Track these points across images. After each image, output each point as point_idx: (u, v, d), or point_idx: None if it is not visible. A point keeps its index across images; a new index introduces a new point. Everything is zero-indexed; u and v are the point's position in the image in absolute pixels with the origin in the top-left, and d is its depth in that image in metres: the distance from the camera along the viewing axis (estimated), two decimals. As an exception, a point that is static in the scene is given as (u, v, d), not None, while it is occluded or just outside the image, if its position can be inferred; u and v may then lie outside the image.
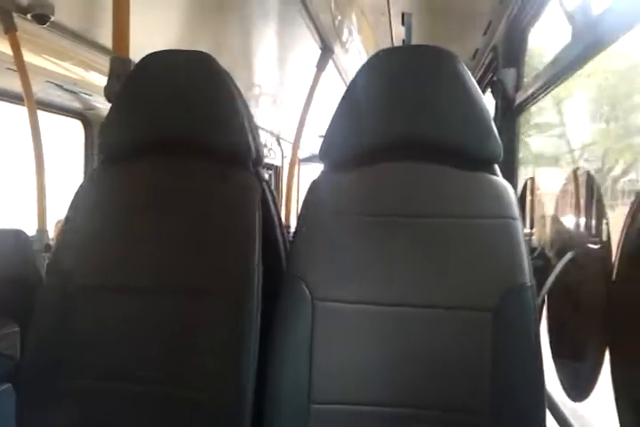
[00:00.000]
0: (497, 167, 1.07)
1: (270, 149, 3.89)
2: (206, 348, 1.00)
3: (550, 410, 1.23)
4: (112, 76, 1.29)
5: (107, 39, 1.74)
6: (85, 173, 2.72)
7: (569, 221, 1.38)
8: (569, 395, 1.17)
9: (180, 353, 1.03)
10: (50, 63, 2.07)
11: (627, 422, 0.88)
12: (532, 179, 1.72)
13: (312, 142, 3.26)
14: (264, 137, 3.74)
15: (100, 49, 2.01)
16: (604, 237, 1.11)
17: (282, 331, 1.01)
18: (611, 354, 0.97)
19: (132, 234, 1.10)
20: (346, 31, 2.09)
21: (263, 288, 1.03)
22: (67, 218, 1.13)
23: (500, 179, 1.04)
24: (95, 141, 2.72)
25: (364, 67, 1.11)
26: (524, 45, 1.74)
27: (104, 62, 2.01)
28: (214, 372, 0.99)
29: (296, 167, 2.60)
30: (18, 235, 1.74)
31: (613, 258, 1.02)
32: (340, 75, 2.54)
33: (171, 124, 1.14)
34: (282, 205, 2.71)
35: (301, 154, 4.21)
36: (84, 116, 2.68)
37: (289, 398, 0.99)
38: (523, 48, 1.73)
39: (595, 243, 1.16)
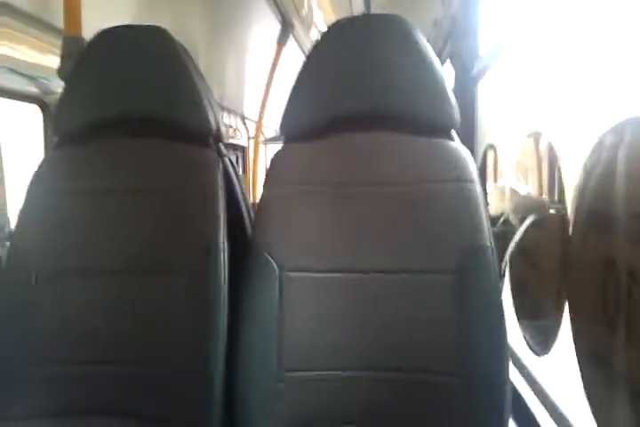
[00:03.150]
0: (454, 133, 1.08)
1: (236, 129, 3.86)
2: (175, 325, 1.01)
3: (515, 365, 1.28)
4: (65, 56, 1.27)
5: (60, 20, 1.70)
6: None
7: (529, 188, 1.41)
8: (533, 350, 1.21)
9: (148, 332, 1.03)
10: (3, 47, 2.01)
11: (587, 374, 0.92)
12: (492, 145, 1.75)
13: (277, 121, 3.23)
14: (229, 118, 3.70)
15: (55, 31, 1.95)
16: (564, 203, 1.14)
17: (250, 303, 1.02)
18: (569, 310, 1.01)
19: (91, 216, 1.09)
20: (305, 5, 2.07)
21: (230, 264, 1.04)
22: (24, 204, 1.12)
23: (456, 144, 1.06)
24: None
25: (322, 37, 1.11)
26: (478, 15, 1.75)
27: (59, 44, 1.96)
28: (184, 348, 1.00)
29: (261, 146, 2.59)
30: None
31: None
32: (302, 50, 2.52)
33: (126, 103, 1.12)
34: (249, 185, 2.71)
35: (267, 133, 4.18)
36: (42, 100, 2.61)
37: (260, 368, 1.00)
38: (478, 16, 1.75)
39: (555, 208, 1.19)
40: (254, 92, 3.06)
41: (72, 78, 1.16)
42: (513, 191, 1.58)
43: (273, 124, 3.18)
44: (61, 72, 1.25)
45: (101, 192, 1.10)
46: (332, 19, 2.24)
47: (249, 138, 4.13)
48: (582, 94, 1.22)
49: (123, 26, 1.16)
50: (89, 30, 1.30)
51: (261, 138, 2.68)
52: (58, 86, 2.42)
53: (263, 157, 3.36)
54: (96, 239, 1.08)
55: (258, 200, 1.09)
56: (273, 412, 1.00)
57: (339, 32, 1.11)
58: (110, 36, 1.15)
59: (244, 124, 3.95)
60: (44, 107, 2.64)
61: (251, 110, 3.68)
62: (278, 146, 1.17)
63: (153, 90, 1.12)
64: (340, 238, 1.03)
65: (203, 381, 0.99)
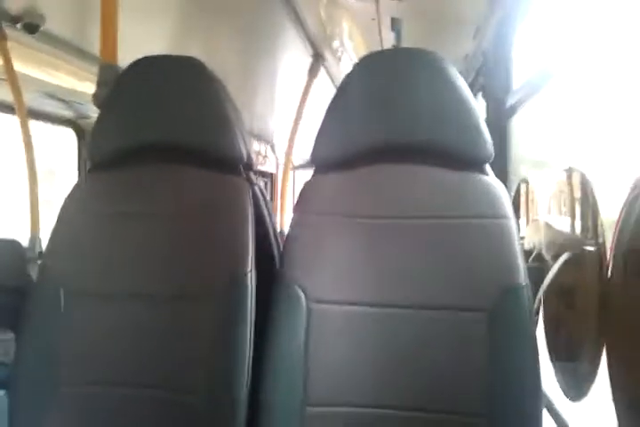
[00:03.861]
0: (488, 167, 1.07)
1: (265, 156, 3.90)
2: (201, 353, 0.99)
3: (548, 410, 1.22)
4: (101, 83, 1.29)
5: (97, 48, 1.75)
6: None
7: (563, 223, 1.38)
8: (567, 395, 1.16)
9: (174, 358, 1.02)
10: (41, 73, 2.07)
11: (624, 422, 0.88)
12: (525, 180, 1.73)
13: (306, 149, 3.25)
14: (258, 145, 3.74)
15: (91, 58, 2.00)
16: (600, 239, 1.11)
17: (276, 334, 1.00)
18: (607, 353, 0.97)
19: (121, 241, 1.09)
20: (337, 38, 2.09)
21: (257, 292, 1.02)
22: (56, 225, 1.13)
23: (491, 178, 1.04)
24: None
25: (353, 69, 1.12)
26: (511, 50, 1.75)
27: (95, 71, 2.02)
28: (209, 376, 0.98)
29: (290, 173, 2.60)
30: (12, 244, 1.74)
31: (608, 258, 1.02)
32: (332, 82, 2.55)
33: (159, 130, 1.14)
34: (277, 212, 2.72)
35: (296, 161, 4.21)
36: (76, 124, 2.68)
37: (284, 401, 0.98)
38: (511, 52, 1.75)
39: (591, 245, 1.16)
40: (284, 120, 3.09)
41: (107, 105, 1.18)
42: (547, 226, 1.54)
43: (301, 153, 3.21)
44: (97, 99, 1.27)
45: (132, 217, 1.10)
46: (363, 51, 2.27)
47: (277, 165, 4.18)
48: (620, 128, 1.20)
49: (157, 55, 1.18)
50: (124, 59, 1.33)
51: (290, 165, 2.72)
52: (92, 111, 2.50)
53: (292, 184, 3.39)
54: (125, 263, 1.08)
55: (285, 228, 1.08)
56: None
57: (370, 65, 1.11)
58: (145, 65, 1.17)
59: (273, 151, 3.99)
60: (78, 130, 2.72)
61: (279, 138, 3.73)
62: (306, 172, 1.17)
63: (186, 118, 1.13)
64: (370, 272, 1.01)
65: (227, 409, 0.96)
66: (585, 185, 1.22)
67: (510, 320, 0.94)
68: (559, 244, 1.39)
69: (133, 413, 1.02)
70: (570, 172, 1.28)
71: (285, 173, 2.53)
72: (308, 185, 1.10)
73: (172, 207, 1.10)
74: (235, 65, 2.32)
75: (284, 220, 2.46)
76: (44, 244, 1.79)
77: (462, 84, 1.06)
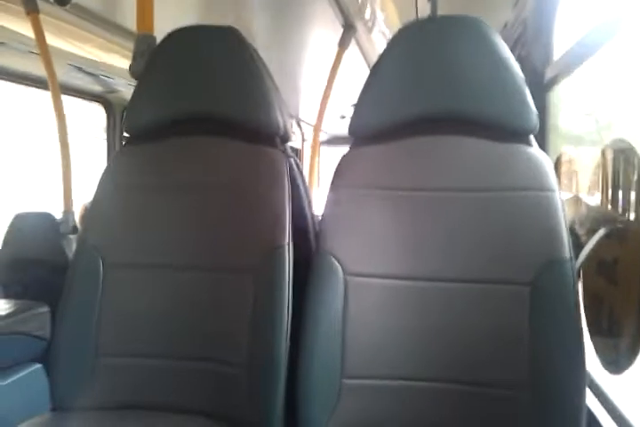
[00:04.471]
0: (533, 139, 1.04)
1: (292, 132, 3.87)
2: (239, 324, 1.01)
3: (588, 385, 1.22)
4: (137, 54, 1.28)
5: (129, 20, 1.73)
6: (109, 155, 2.73)
7: (600, 197, 1.36)
8: (607, 369, 1.15)
9: (212, 329, 1.03)
10: (71, 46, 2.07)
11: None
12: (563, 154, 1.69)
13: (332, 124, 3.22)
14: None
15: (122, 30, 1.99)
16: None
17: (314, 306, 1.01)
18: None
19: (159, 212, 1.10)
20: (369, 8, 2.04)
21: (294, 264, 1.03)
22: (93, 199, 1.14)
23: (537, 150, 1.02)
24: (117, 125, 2.72)
25: (392, 40, 1.09)
26: (553, 20, 1.68)
27: (126, 44, 2.01)
28: (247, 347, 0.99)
29: (317, 150, 2.58)
30: (45, 217, 1.76)
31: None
32: (363, 54, 2.50)
33: (198, 101, 1.13)
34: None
35: (321, 136, 4.18)
36: (105, 99, 2.68)
37: (321, 373, 0.99)
38: (552, 22, 1.68)
39: (624, 222, 1.14)
40: (311, 94, 3.05)
41: (144, 77, 1.18)
42: (580, 201, 1.52)
43: (328, 128, 3.17)
44: (133, 71, 1.27)
45: (170, 188, 1.11)
46: (396, 22, 2.22)
47: (303, 140, 4.14)
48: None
49: (194, 26, 1.16)
50: (158, 29, 1.32)
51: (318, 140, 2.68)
52: (121, 85, 2.49)
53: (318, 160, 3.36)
54: (164, 234, 1.09)
55: (314, 205, 1.07)
56: (334, 414, 0.98)
57: (411, 34, 1.09)
58: (182, 36, 1.16)
59: (299, 126, 3.96)
60: (106, 105, 2.72)
61: (306, 113, 3.69)
62: (332, 149, 1.16)
63: (224, 90, 1.12)
64: (409, 245, 1.00)
65: (265, 378, 0.98)
66: (628, 160, 1.18)
67: (553, 294, 0.93)
68: (594, 219, 1.36)
69: (173, 384, 1.04)
70: (613, 146, 1.24)
71: (314, 150, 2.50)
72: (345, 158, 1.09)
73: (210, 179, 1.10)
74: (264, 35, 2.29)
75: (311, 194, 2.44)
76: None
77: (507, 53, 1.03)
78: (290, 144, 1.20)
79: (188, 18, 2.00)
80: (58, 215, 1.86)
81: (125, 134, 1.23)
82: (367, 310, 1.00)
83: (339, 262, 1.01)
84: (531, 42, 1.70)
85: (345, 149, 1.13)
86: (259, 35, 2.21)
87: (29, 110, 3.09)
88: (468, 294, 0.97)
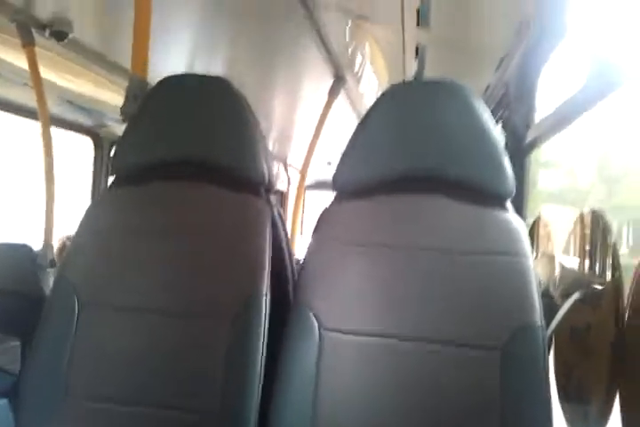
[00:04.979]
0: (509, 204, 1.06)
1: (277, 174, 3.90)
2: (211, 373, 0.98)
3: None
4: (129, 96, 1.30)
5: (123, 59, 1.76)
6: (94, 189, 2.72)
7: (576, 261, 1.37)
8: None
9: (183, 377, 1.01)
10: (65, 80, 2.09)
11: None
12: (539, 217, 1.71)
13: (318, 169, 3.26)
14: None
15: (117, 68, 2.03)
16: (615, 279, 1.09)
17: (288, 359, 0.99)
18: (621, 397, 0.95)
19: (139, 255, 1.10)
20: (359, 60, 2.11)
21: (270, 315, 1.01)
22: (75, 236, 1.13)
23: (512, 215, 1.03)
24: (105, 160, 2.72)
25: (379, 99, 1.13)
26: (535, 83, 1.74)
27: (119, 81, 2.04)
28: (218, 397, 0.97)
29: (302, 195, 2.60)
30: (23, 249, 1.73)
31: (625, 302, 1.00)
32: (351, 103, 2.56)
33: (185, 147, 1.14)
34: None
35: (307, 181, 4.22)
36: (95, 133, 2.70)
37: (292, 425, 0.96)
38: (534, 86, 1.74)
39: (601, 284, 1.14)
40: (300, 140, 3.10)
41: (135, 119, 1.19)
42: (556, 263, 1.53)
43: (314, 173, 3.21)
44: (124, 112, 1.28)
45: (151, 232, 1.10)
46: (385, 76, 2.29)
47: (289, 183, 4.18)
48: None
49: (187, 74, 1.19)
50: (152, 73, 1.34)
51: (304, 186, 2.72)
52: (111, 120, 2.51)
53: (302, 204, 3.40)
54: (141, 277, 1.08)
55: (297, 251, 1.07)
56: None
57: (397, 95, 1.13)
58: (175, 82, 1.18)
59: (286, 169, 4.00)
60: (96, 139, 2.73)
61: (294, 158, 3.74)
62: (314, 193, 1.17)
63: (211, 137, 1.14)
64: (384, 303, 1.00)
65: None
66: (604, 225, 1.20)
67: (524, 360, 0.93)
68: (570, 281, 1.37)
69: None
70: (591, 211, 1.26)
71: (298, 196, 2.52)
72: (327, 211, 1.10)
73: (192, 224, 1.10)
74: (255, 82, 2.34)
75: (294, 241, 2.44)
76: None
77: (488, 118, 1.06)
78: (276, 187, 1.21)
79: (181, 62, 2.05)
80: (35, 247, 1.84)
81: (110, 174, 1.23)
82: (341, 366, 0.99)
83: (315, 316, 1.00)
84: (512, 104, 1.75)
85: (329, 193, 1.15)
86: (251, 82, 2.26)
87: (16, 141, 3.09)
88: (439, 355, 0.96)
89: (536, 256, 1.71)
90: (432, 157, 1.06)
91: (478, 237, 1.01)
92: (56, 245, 2.16)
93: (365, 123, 1.12)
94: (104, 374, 1.03)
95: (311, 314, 1.00)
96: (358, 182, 1.10)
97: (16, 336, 1.13)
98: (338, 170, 1.12)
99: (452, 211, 1.05)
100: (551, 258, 1.60)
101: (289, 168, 4.05)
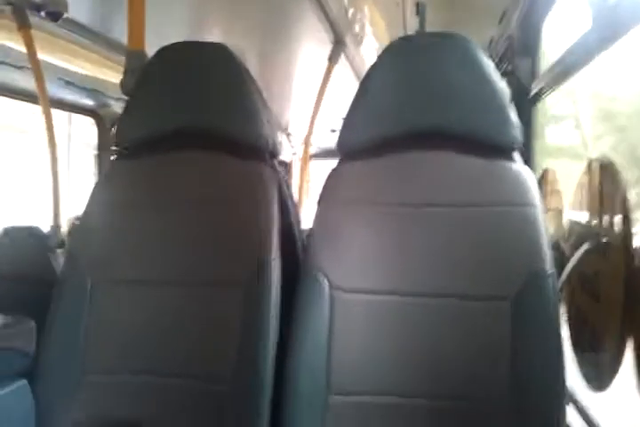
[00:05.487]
0: (517, 155, 1.06)
1: (280, 144, 3.85)
2: (225, 339, 1.00)
3: (572, 403, 1.22)
4: (128, 70, 1.29)
5: (121, 35, 1.74)
6: (98, 169, 2.73)
7: (585, 214, 1.37)
8: (589, 385, 1.16)
9: (199, 345, 1.03)
10: (63, 61, 2.07)
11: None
12: (547, 170, 1.70)
13: (322, 137, 3.23)
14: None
15: (114, 45, 2.00)
16: (625, 229, 1.09)
17: (300, 322, 1.01)
18: (634, 344, 0.96)
19: (149, 228, 1.10)
20: (358, 23, 2.07)
21: (281, 280, 1.03)
22: (84, 214, 1.14)
23: (519, 166, 1.03)
24: (108, 139, 2.72)
25: (381, 55, 1.11)
26: (539, 34, 1.71)
27: (117, 59, 2.02)
28: (232, 364, 0.99)
29: (307, 164, 2.59)
30: (32, 231, 1.75)
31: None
32: (352, 68, 2.52)
33: (187, 117, 1.14)
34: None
35: (311, 149, 4.19)
36: (96, 113, 2.69)
37: (307, 389, 0.99)
38: (538, 37, 1.71)
39: (611, 236, 1.14)
40: (301, 108, 3.07)
41: (134, 93, 1.18)
42: (568, 219, 1.53)
43: (317, 142, 3.18)
44: (124, 86, 1.27)
45: (158, 204, 1.11)
46: (385, 37, 2.25)
47: (292, 154, 4.15)
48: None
49: (185, 42, 1.17)
50: (148, 45, 1.33)
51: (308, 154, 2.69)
52: (112, 99, 2.50)
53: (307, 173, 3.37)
54: (151, 250, 1.09)
55: (303, 219, 1.08)
56: None
57: (398, 50, 1.11)
58: (172, 52, 1.17)
59: (289, 139, 3.97)
60: (98, 119, 2.72)
61: (296, 127, 3.70)
62: (320, 162, 1.17)
63: (213, 105, 1.13)
64: (394, 260, 1.01)
65: (251, 395, 0.97)
66: (615, 176, 1.19)
67: (535, 308, 0.94)
68: (579, 234, 1.38)
69: (159, 401, 1.03)
70: (599, 161, 1.25)
71: (303, 164, 2.51)
72: (333, 173, 1.10)
73: (199, 194, 1.10)
74: (254, 50, 2.30)
75: (300, 208, 2.44)
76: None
77: (492, 70, 1.05)
78: (280, 158, 1.21)
79: (178, 34, 2.02)
80: (45, 229, 1.86)
81: (114, 148, 1.23)
82: (353, 325, 1.00)
83: (325, 277, 1.01)
84: (516, 57, 1.72)
85: (335, 162, 1.14)
86: (249, 51, 2.23)
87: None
88: (450, 309, 0.97)
89: (545, 211, 1.71)
90: (437, 111, 1.05)
91: (488, 189, 1.01)
92: (66, 227, 2.18)
93: (367, 81, 1.10)
94: (120, 348, 1.06)
95: (322, 275, 1.01)
96: (363, 143, 1.09)
97: (31, 318, 1.15)
98: (342, 133, 1.11)
99: (460, 165, 1.04)
100: (559, 212, 1.60)
101: (292, 138, 4.01)
